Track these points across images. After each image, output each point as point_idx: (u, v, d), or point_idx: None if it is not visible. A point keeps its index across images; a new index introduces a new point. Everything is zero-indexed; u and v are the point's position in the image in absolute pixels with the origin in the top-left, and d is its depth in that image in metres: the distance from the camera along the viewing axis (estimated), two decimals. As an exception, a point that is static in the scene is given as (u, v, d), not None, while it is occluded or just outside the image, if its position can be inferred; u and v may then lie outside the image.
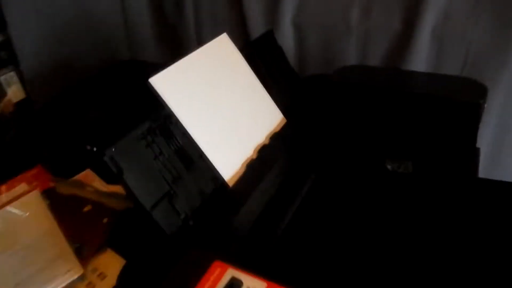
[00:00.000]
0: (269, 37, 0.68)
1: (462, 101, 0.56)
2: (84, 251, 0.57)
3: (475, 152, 0.54)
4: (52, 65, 0.96)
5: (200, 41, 1.00)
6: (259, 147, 0.56)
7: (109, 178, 0.65)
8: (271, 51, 0.67)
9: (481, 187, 0.51)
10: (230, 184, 0.51)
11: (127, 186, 0.42)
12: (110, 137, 0.43)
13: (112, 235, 0.56)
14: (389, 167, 0.48)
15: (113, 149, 0.42)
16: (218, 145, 0.52)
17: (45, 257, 0.53)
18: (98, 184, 0.71)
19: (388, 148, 0.52)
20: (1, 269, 0.53)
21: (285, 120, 0.62)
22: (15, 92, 0.96)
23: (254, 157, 0.55)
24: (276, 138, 0.58)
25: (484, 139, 0.75)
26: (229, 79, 0.57)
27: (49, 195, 0.67)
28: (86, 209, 0.65)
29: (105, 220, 0.62)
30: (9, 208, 0.63)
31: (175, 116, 0.49)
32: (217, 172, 0.50)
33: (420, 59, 0.76)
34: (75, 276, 0.51)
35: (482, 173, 0.56)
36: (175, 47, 1.05)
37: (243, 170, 0.53)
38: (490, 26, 0.69)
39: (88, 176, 0.73)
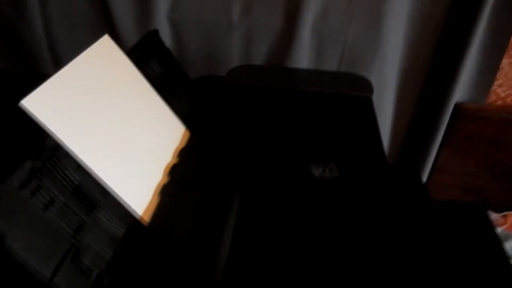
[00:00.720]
0: (154, 38, 0.60)
1: (358, 96, 0.58)
2: None
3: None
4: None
5: (52, 43, 0.83)
6: (168, 168, 0.48)
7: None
8: (159, 53, 0.58)
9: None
10: (146, 218, 0.42)
11: (15, 255, 0.30)
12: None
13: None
14: (315, 173, 0.46)
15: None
16: (122, 174, 0.42)
17: None
18: None
19: (309, 152, 0.51)
20: None
21: (188, 132, 0.55)
22: None
23: (166, 180, 0.47)
24: (185, 155, 0.51)
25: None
26: (120, 92, 0.47)
27: None
28: None
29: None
30: None
31: (63, 146, 0.37)
32: (128, 207, 0.41)
33: (302, 55, 0.77)
34: None
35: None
36: (18, 53, 0.85)
37: (156, 198, 0.44)
38: (363, 20, 0.74)
39: None
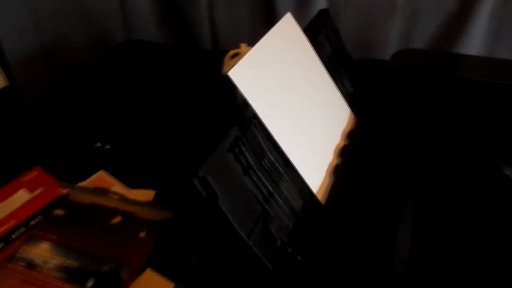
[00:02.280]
0: (325, 17, 0.59)
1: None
2: (123, 274, 0.47)
3: None
4: (39, 48, 0.82)
5: (213, 21, 0.89)
6: (338, 150, 0.48)
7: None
8: (329, 33, 0.58)
9: None
10: (318, 196, 0.43)
11: (222, 212, 0.33)
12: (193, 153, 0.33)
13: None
14: (508, 173, 0.41)
15: (206, 167, 0.32)
16: (301, 149, 0.43)
17: None
18: (120, 188, 0.60)
19: (494, 151, 0.46)
20: None
21: (354, 116, 0.54)
22: (-4, 80, 0.80)
23: (336, 162, 0.47)
24: (353, 139, 0.50)
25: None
26: (301, 70, 0.48)
27: (62, 204, 0.56)
28: (114, 221, 0.55)
29: (142, 234, 0.52)
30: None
31: (258, 117, 0.39)
32: (305, 184, 0.42)
33: (474, 42, 0.70)
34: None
35: None
36: (181, 28, 0.93)
37: (328, 179, 0.45)
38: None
39: (103, 179, 0.62)
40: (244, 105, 0.38)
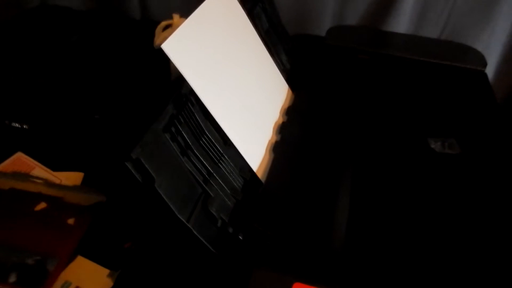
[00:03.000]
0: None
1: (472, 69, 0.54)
2: (51, 264, 0.44)
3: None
4: None
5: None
6: (277, 127, 0.47)
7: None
8: (266, 6, 0.56)
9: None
10: (259, 174, 0.42)
11: (158, 196, 0.31)
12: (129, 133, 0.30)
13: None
14: (435, 148, 0.44)
15: (140, 149, 0.30)
16: (241, 127, 0.42)
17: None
18: (41, 172, 0.55)
19: (423, 125, 0.48)
20: None
21: (291, 92, 0.54)
22: None
23: (275, 139, 0.46)
24: (291, 114, 0.49)
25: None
26: (239, 44, 0.46)
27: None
28: (38, 207, 0.50)
29: (70, 220, 0.48)
30: None
31: (195, 94, 0.37)
32: (245, 161, 0.41)
33: (402, 19, 0.72)
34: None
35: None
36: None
37: (268, 156, 0.44)
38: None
39: (21, 162, 0.57)
40: (180, 80, 0.36)
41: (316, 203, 0.39)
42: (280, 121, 0.48)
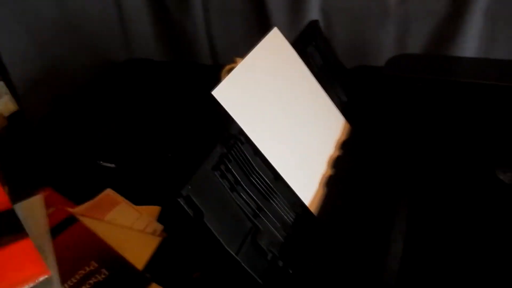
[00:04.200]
0: (315, 28, 0.60)
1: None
2: None
3: None
4: (44, 72, 0.85)
5: (211, 36, 0.90)
6: (331, 161, 0.48)
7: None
8: (319, 44, 0.58)
9: None
10: (311, 208, 0.43)
11: (208, 229, 0.33)
12: (179, 171, 0.34)
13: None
14: (504, 178, 0.41)
15: (189, 187, 0.33)
16: (292, 163, 0.43)
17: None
18: (126, 206, 0.61)
19: (490, 155, 0.45)
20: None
21: (348, 125, 0.54)
22: (6, 105, 0.83)
23: (330, 173, 0.47)
24: (347, 148, 0.50)
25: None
26: (289, 83, 0.49)
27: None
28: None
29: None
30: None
31: (244, 134, 0.40)
32: (296, 196, 0.42)
33: (470, 44, 0.69)
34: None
35: None
36: (180, 45, 0.95)
37: (321, 191, 0.45)
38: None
39: (110, 197, 0.64)
40: (229, 121, 0.39)
41: (368, 241, 0.39)
42: (335, 155, 0.49)
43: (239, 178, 0.38)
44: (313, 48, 0.57)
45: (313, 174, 0.46)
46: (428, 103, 0.55)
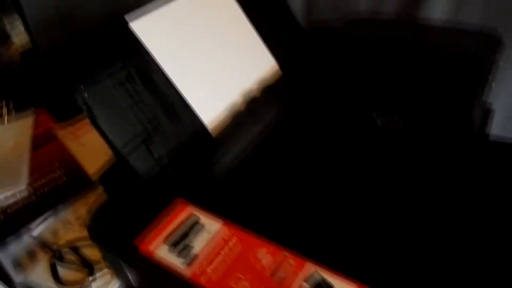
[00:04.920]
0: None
1: (462, 54, 0.52)
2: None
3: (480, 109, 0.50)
4: (57, 10, 0.96)
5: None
6: (249, 99, 0.54)
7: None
8: (274, 2, 0.63)
9: (486, 147, 0.47)
10: (213, 134, 0.50)
11: (100, 128, 0.42)
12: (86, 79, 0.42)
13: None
14: (379, 122, 0.45)
15: (83, 88, 0.41)
16: (204, 94, 0.50)
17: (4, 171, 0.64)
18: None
19: (377, 102, 0.49)
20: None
21: (280, 73, 0.60)
22: (21, 41, 0.97)
23: (242, 109, 0.53)
24: (268, 91, 0.56)
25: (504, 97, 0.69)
26: (220, 26, 0.55)
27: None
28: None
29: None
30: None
31: (156, 62, 0.47)
32: (200, 121, 0.49)
33: (438, 8, 0.70)
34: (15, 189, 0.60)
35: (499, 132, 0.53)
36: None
37: (228, 121, 0.51)
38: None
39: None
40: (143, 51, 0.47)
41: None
42: (254, 95, 0.55)
43: (141, 96, 0.46)
44: (267, 5, 0.62)
45: (226, 107, 0.52)
46: (348, 58, 0.59)
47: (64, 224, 0.59)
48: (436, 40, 0.59)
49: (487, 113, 0.54)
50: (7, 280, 0.52)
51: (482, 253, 0.35)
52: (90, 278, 0.50)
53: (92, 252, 0.53)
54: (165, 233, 0.37)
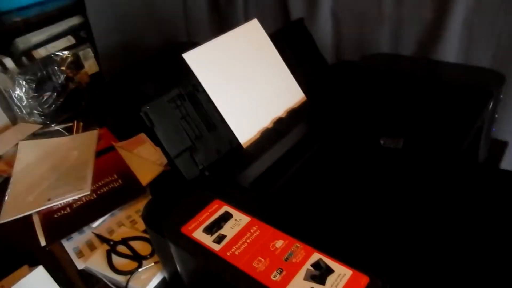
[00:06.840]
0: (299, 24, 0.75)
1: (465, 87, 0.60)
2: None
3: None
4: (121, 44, 1.12)
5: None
6: (276, 120, 0.64)
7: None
8: (300, 37, 0.74)
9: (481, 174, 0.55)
10: (244, 146, 0.60)
11: (157, 136, 0.53)
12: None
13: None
14: (382, 142, 0.54)
15: (148, 107, 0.53)
16: (238, 114, 0.61)
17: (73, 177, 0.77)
18: (148, 145, 0.84)
19: (385, 127, 0.58)
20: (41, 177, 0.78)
21: (304, 98, 0.70)
22: (90, 66, 1.13)
23: (270, 127, 0.63)
24: (293, 113, 0.65)
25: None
26: (255, 59, 0.66)
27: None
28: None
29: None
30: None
31: (201, 86, 0.59)
32: (234, 135, 0.60)
33: (450, 50, 0.78)
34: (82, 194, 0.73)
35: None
36: (227, 29, 1.15)
37: (257, 137, 0.61)
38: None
39: (141, 138, 0.87)
40: (192, 77, 0.58)
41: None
42: (281, 117, 0.65)
43: (189, 113, 0.57)
44: (294, 39, 0.73)
45: (256, 125, 0.63)
46: (364, 88, 0.68)
47: (117, 222, 0.68)
48: (444, 74, 0.67)
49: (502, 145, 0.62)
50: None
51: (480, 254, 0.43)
52: (139, 270, 0.58)
53: (140, 247, 0.61)
54: (205, 223, 0.46)
